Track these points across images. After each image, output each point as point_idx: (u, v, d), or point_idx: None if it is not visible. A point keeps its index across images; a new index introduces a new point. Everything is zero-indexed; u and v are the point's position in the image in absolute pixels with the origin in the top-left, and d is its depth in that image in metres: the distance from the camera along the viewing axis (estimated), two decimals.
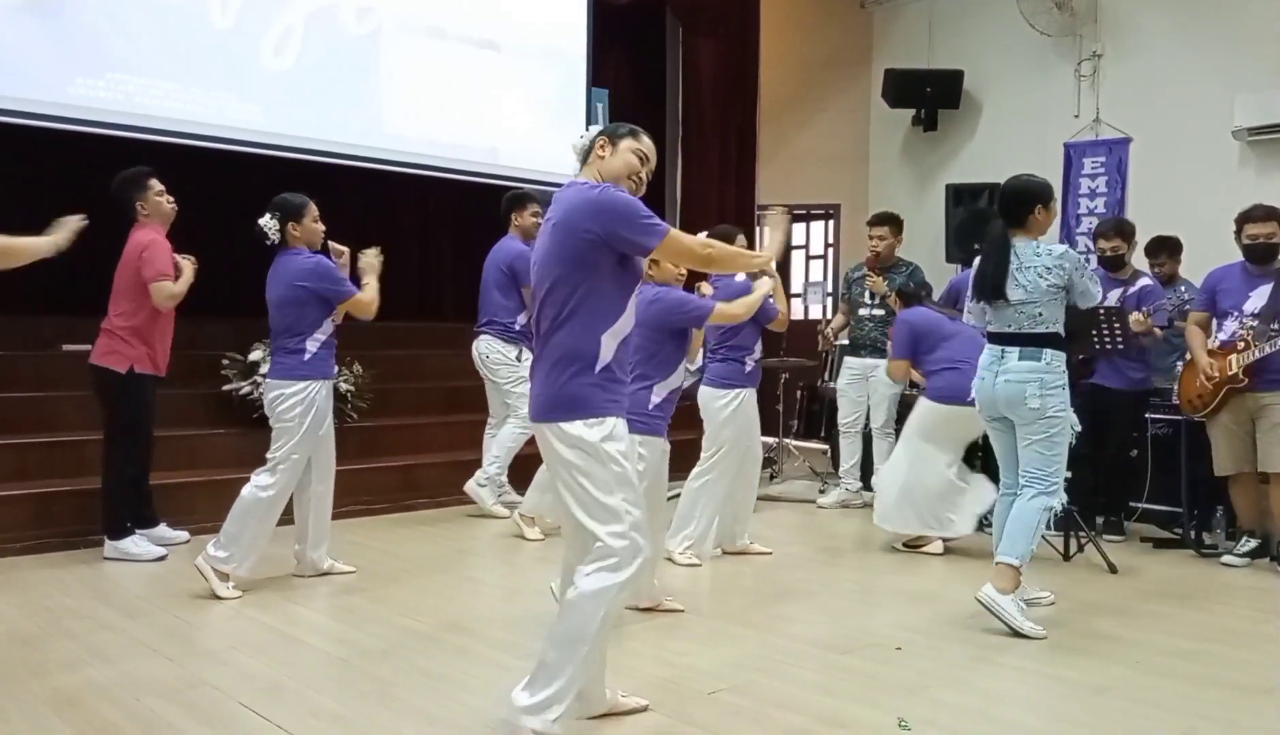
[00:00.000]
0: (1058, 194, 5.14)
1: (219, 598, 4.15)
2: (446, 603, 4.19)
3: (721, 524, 5.03)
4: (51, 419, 5.65)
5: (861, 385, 6.43)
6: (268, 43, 6.91)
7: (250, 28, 6.82)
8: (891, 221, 6.41)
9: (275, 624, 3.89)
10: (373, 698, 3.11)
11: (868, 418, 6.43)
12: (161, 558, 4.85)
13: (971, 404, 4.15)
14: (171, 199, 4.94)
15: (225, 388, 6.00)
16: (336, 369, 6.19)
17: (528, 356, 5.54)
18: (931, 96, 9.28)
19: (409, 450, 6.62)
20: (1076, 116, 8.47)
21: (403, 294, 6.00)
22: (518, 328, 5.78)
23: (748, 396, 4.92)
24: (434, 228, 8.37)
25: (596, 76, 8.52)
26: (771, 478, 7.30)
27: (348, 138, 7.19)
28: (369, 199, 7.63)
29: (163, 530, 5.11)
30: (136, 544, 4.87)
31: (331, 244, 4.54)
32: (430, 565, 4.89)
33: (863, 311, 6.46)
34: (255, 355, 5.94)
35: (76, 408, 5.42)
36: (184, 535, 5.13)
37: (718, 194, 9.53)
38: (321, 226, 4.44)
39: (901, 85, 9.22)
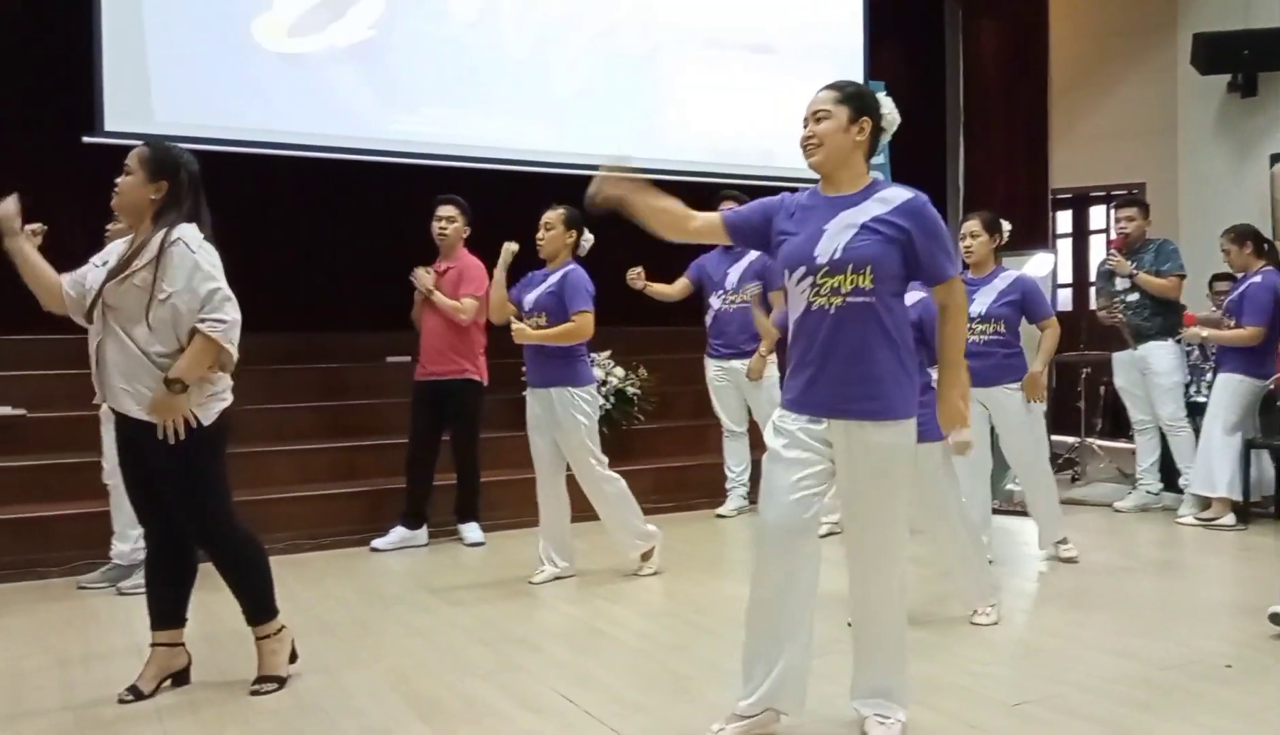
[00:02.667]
0: None
1: (532, 583, 4.54)
2: (736, 601, 4.26)
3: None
4: (378, 424, 6.27)
5: (1139, 378, 5.93)
6: (559, 67, 7.35)
7: (543, 55, 7.28)
8: (1140, 204, 6.12)
9: (581, 616, 4.13)
10: (670, 689, 3.22)
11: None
12: (478, 544, 5.37)
13: None
14: (442, 228, 5.36)
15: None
16: (624, 373, 6.53)
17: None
18: (1250, 59, 8.38)
19: (692, 451, 6.80)
20: None
21: (687, 298, 6.14)
22: None
23: None
24: None
25: (873, 69, 8.37)
26: (1074, 480, 6.87)
27: (632, 152, 7.45)
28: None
29: (464, 528, 5.51)
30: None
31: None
32: (717, 563, 5.00)
33: (1117, 300, 5.97)
34: None
35: (399, 414, 5.96)
36: (477, 537, 5.48)
37: (1006, 180, 9.09)
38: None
39: (1214, 49, 8.39)
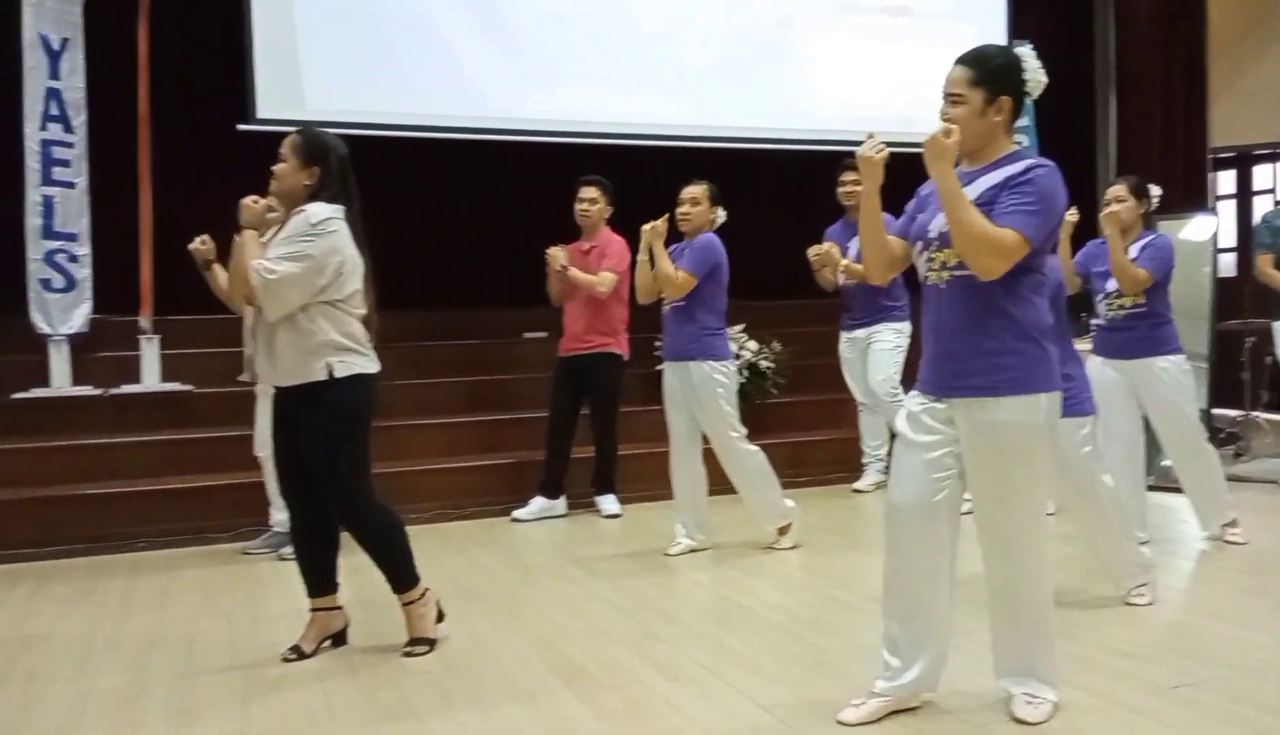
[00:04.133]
0: None
1: (668, 555, 4.58)
2: (875, 576, 4.21)
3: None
4: (518, 398, 6.43)
5: None
6: (691, 40, 7.33)
7: (675, 29, 7.28)
8: None
9: (717, 589, 4.16)
10: (808, 663, 3.22)
11: None
12: (615, 516, 5.47)
13: None
14: (585, 210, 5.42)
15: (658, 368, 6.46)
16: (757, 347, 6.50)
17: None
18: None
19: (828, 425, 6.73)
20: None
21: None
22: None
23: None
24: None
25: (1016, 29, 8.04)
26: (1237, 456, 6.52)
27: (766, 123, 7.44)
28: (789, 180, 7.80)
29: (602, 500, 5.61)
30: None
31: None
32: (855, 538, 4.95)
33: None
34: None
35: (536, 388, 6.08)
36: (614, 509, 5.56)
37: (1162, 140, 8.61)
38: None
39: None
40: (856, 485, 6.00)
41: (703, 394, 4.48)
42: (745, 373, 6.28)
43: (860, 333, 5.71)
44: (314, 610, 3.44)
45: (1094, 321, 4.45)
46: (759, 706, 2.84)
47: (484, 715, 2.87)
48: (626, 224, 5.18)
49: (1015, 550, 2.64)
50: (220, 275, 4.43)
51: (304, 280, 3.12)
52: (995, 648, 2.75)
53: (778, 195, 7.66)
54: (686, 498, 4.67)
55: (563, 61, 7.07)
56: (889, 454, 5.86)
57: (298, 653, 3.36)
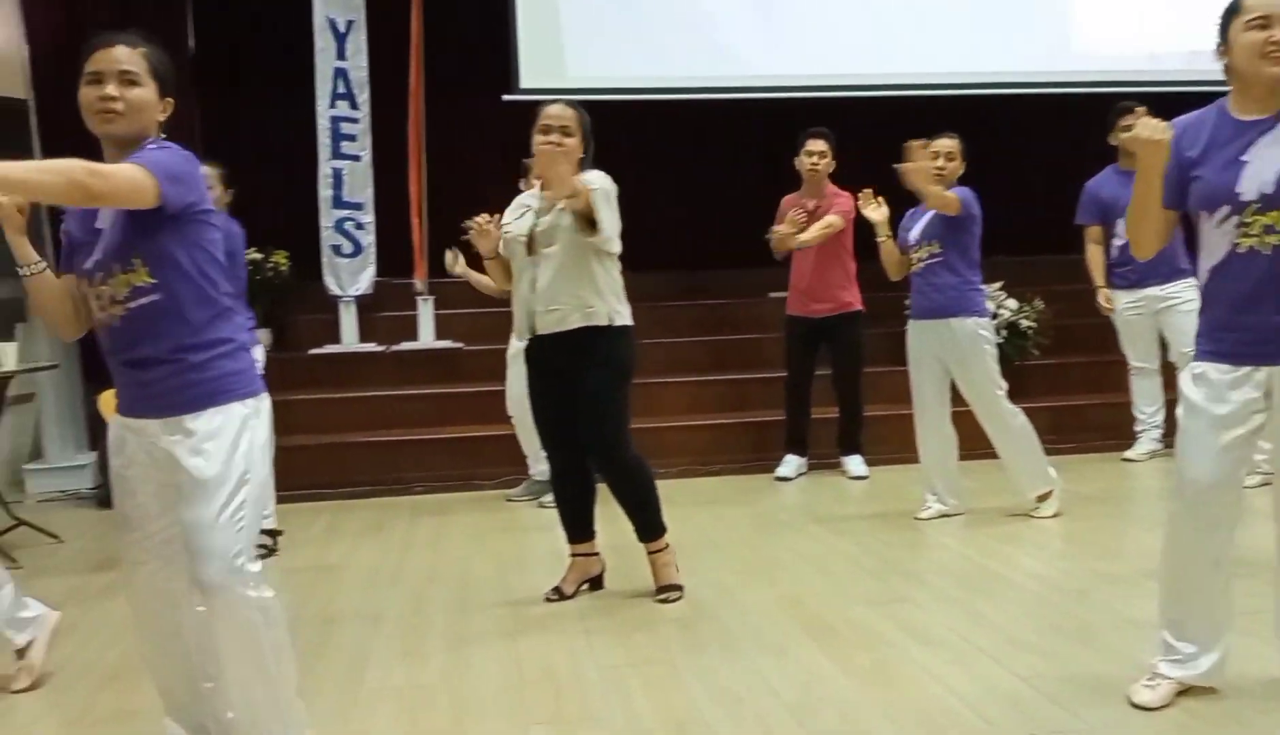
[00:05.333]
0: None
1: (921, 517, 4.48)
2: (1146, 550, 3.96)
3: None
4: (763, 357, 6.46)
5: None
6: None
7: None
8: None
9: (970, 555, 4.04)
10: (1069, 634, 3.08)
11: None
12: (862, 477, 5.42)
13: None
14: (814, 164, 5.29)
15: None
16: (1017, 305, 6.19)
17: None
18: None
19: (1094, 388, 6.34)
20: None
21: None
22: None
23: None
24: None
25: None
26: None
27: (1036, 68, 7.05)
28: (1048, 125, 7.36)
29: (848, 461, 5.55)
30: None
31: None
32: (1124, 509, 4.67)
33: None
34: None
35: (780, 348, 6.08)
36: (862, 470, 5.48)
37: None
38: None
39: None
40: (1128, 454, 5.62)
41: (969, 351, 4.34)
42: (1003, 333, 6.01)
43: (1154, 291, 5.23)
44: (574, 555, 3.65)
45: None
46: (1017, 676, 2.76)
47: (733, 664, 2.95)
48: (866, 180, 5.08)
49: None
50: (477, 278, 4.79)
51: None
52: None
53: (1037, 142, 7.26)
54: (936, 462, 4.54)
55: (808, 14, 6.97)
56: (1166, 421, 5.47)
57: (559, 593, 3.58)
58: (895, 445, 5.48)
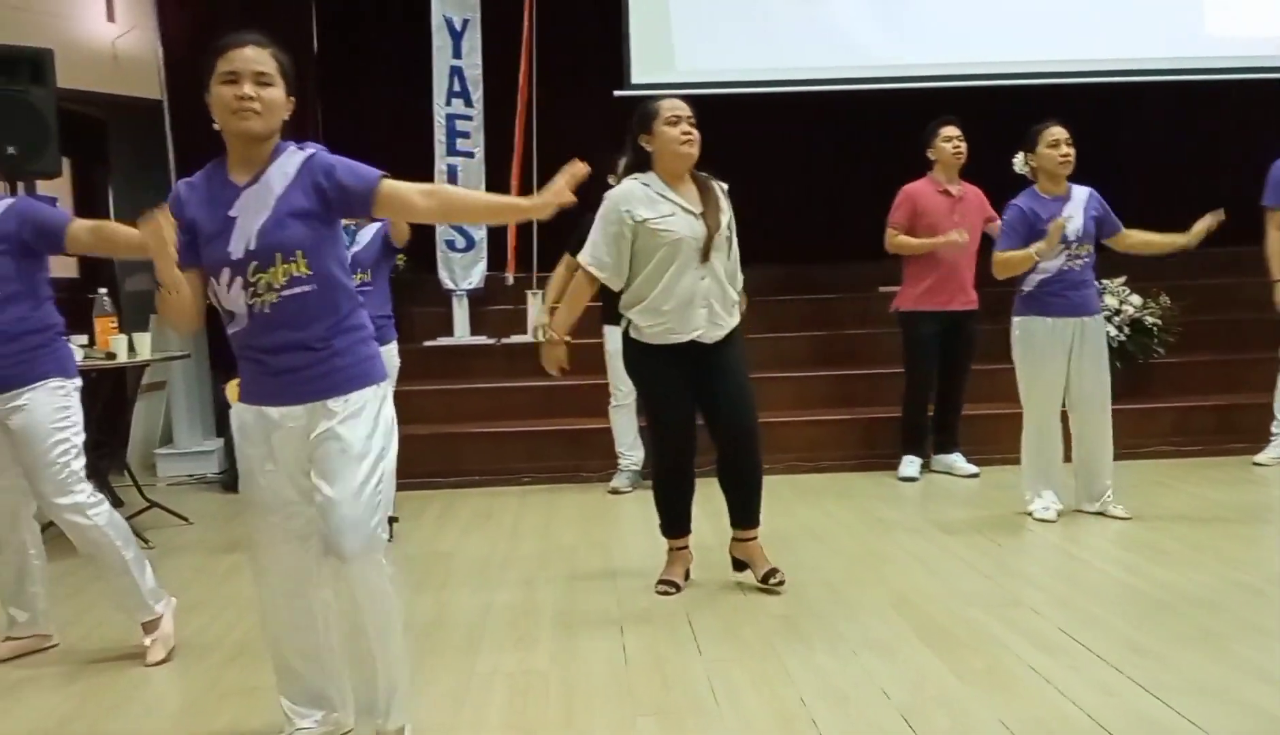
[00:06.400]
0: None
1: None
2: (1273, 555, 3.79)
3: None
4: (871, 353, 6.36)
5: None
6: None
7: None
8: None
9: (1084, 556, 3.93)
10: (1193, 642, 2.96)
11: None
12: (974, 475, 5.29)
13: None
14: (957, 148, 5.17)
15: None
16: (1141, 301, 5.95)
17: None
18: None
19: (1222, 388, 6.07)
20: None
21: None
22: None
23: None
24: (1235, 137, 7.40)
25: None
26: None
27: (1156, 52, 6.78)
28: (1173, 112, 7.07)
29: (954, 459, 5.44)
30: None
31: None
32: (1256, 515, 4.45)
33: None
34: None
35: (889, 343, 5.98)
36: (972, 468, 5.37)
37: None
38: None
39: None
40: (1258, 458, 5.36)
41: (1103, 349, 4.38)
42: (1125, 330, 5.80)
43: None
44: (678, 548, 3.66)
45: None
46: (1140, 687, 2.66)
47: (842, 662, 2.92)
48: (988, 175, 4.94)
49: None
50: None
51: None
52: None
53: (1161, 131, 6.98)
54: (1055, 462, 4.43)
55: (929, 4, 6.84)
56: None
57: (673, 586, 3.58)
58: (1007, 444, 5.34)
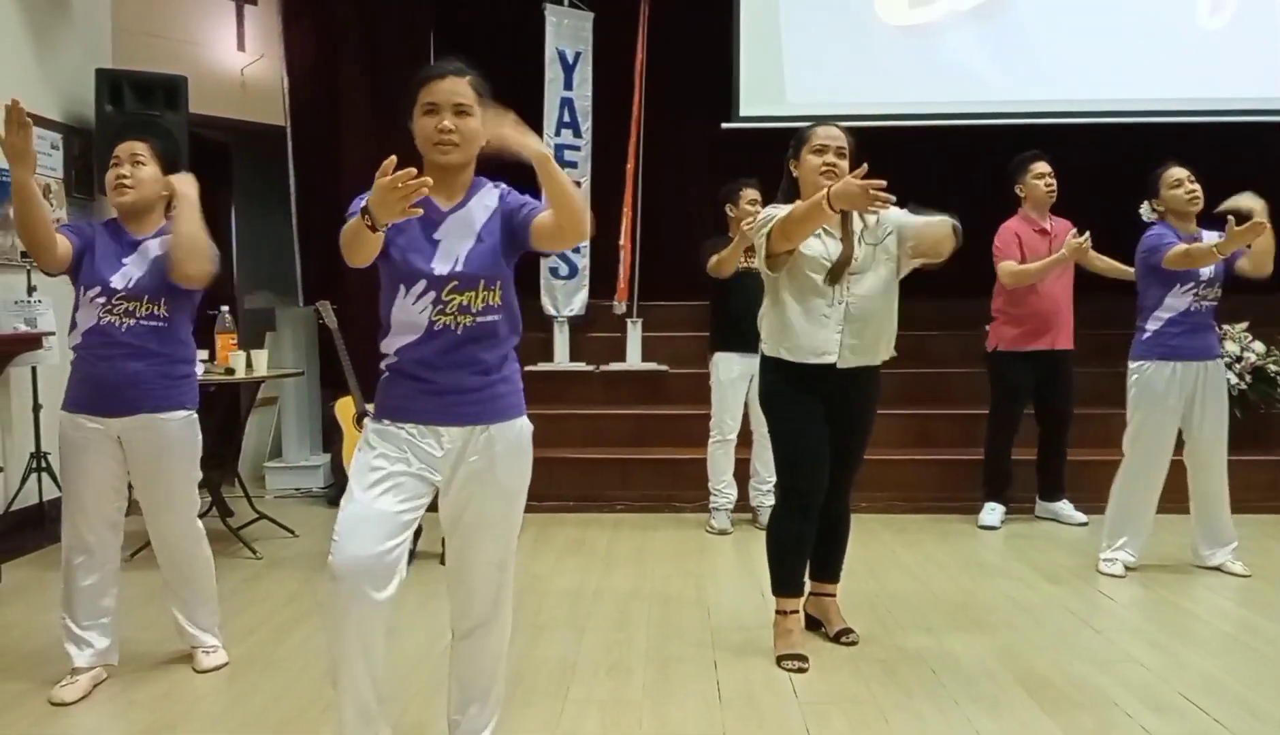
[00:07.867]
0: None
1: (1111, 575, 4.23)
2: None
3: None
4: (953, 392, 6.23)
5: None
6: (1202, 3, 6.66)
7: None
8: None
9: (1199, 612, 3.76)
10: None
11: None
12: (1083, 524, 5.11)
13: None
14: (1050, 184, 5.05)
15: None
16: (1264, 348, 5.69)
17: None
18: None
19: None
20: None
21: None
22: None
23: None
24: None
25: None
26: None
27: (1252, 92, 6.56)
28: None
29: (1061, 506, 5.27)
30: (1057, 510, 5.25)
31: None
32: None
33: None
34: None
35: (971, 382, 5.82)
36: (1081, 517, 5.19)
37: None
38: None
39: None
40: None
41: (1223, 393, 4.24)
42: (1247, 378, 5.56)
43: None
44: (789, 611, 3.32)
45: None
46: None
47: (944, 714, 2.84)
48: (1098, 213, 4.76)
49: None
50: None
51: None
52: None
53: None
54: (1146, 512, 4.29)
55: (1047, 39, 6.72)
56: None
57: (803, 660, 3.20)
58: (1100, 492, 5.18)
